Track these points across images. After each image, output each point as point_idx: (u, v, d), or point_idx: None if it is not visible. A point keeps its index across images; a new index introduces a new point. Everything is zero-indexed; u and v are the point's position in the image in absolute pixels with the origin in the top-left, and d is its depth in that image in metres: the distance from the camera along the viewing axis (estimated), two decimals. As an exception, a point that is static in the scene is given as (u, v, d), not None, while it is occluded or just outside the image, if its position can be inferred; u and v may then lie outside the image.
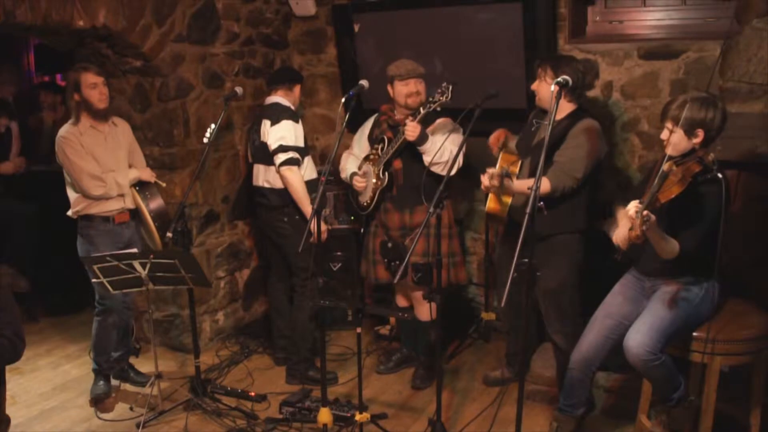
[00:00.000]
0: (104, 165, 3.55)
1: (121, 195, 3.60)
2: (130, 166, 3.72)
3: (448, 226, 3.74)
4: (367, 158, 3.83)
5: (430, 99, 3.44)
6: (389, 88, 3.69)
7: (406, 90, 3.61)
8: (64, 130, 3.52)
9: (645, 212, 2.40)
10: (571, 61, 3.28)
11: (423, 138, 3.51)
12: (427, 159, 3.52)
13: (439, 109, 3.48)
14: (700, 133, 2.68)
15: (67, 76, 3.52)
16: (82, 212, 3.57)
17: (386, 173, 3.72)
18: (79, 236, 3.64)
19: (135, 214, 3.74)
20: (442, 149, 3.43)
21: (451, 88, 3.34)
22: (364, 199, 3.84)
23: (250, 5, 4.48)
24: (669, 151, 2.74)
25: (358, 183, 3.83)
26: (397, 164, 3.70)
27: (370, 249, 3.90)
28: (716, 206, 2.65)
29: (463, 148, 3.56)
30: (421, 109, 3.49)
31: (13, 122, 5.21)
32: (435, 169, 3.52)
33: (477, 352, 4.28)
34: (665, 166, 2.51)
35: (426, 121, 3.57)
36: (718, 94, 3.34)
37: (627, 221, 2.88)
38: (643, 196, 2.62)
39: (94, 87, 3.49)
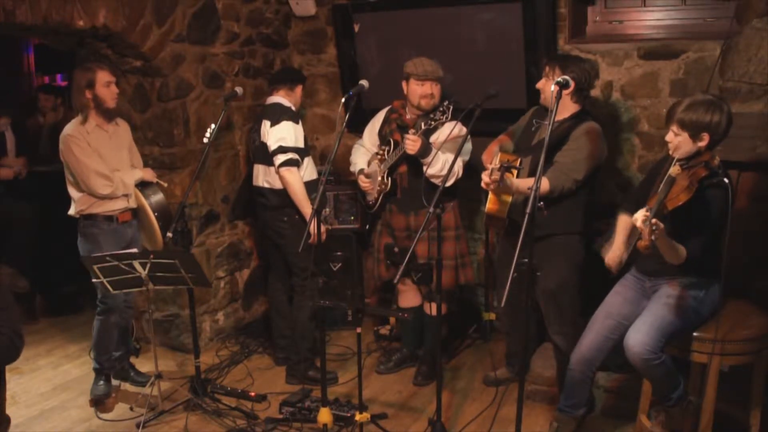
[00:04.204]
0: (109, 164, 3.55)
1: (125, 194, 3.60)
2: (130, 166, 3.72)
3: (454, 227, 3.76)
4: (375, 154, 3.84)
5: (431, 116, 3.49)
6: (404, 84, 3.69)
7: (420, 91, 3.61)
8: (71, 128, 3.50)
9: (654, 220, 2.39)
10: (580, 62, 3.27)
11: (425, 151, 3.52)
12: (426, 169, 3.52)
13: (440, 126, 3.54)
14: (706, 136, 2.66)
15: (78, 74, 3.48)
16: (85, 211, 3.56)
17: (390, 178, 3.73)
18: (80, 236, 3.63)
19: (135, 213, 3.73)
20: (444, 164, 3.46)
21: (451, 108, 3.43)
22: (371, 198, 3.86)
23: (250, 5, 4.48)
24: (674, 153, 2.73)
25: (363, 183, 3.86)
26: (402, 168, 3.72)
27: (376, 248, 3.94)
28: (722, 210, 2.65)
29: (463, 159, 3.60)
30: (422, 124, 3.51)
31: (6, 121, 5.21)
32: (434, 181, 3.53)
33: (477, 352, 4.28)
34: (672, 171, 2.50)
35: (433, 129, 3.58)
36: (718, 94, 3.33)
37: (621, 242, 2.90)
38: (649, 202, 2.60)
39: (108, 85, 3.49)
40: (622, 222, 2.99)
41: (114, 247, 3.52)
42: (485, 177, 3.03)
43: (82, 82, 3.46)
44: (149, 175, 3.75)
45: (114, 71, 3.57)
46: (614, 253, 2.94)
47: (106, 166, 3.51)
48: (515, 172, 2.98)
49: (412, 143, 3.49)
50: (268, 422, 3.45)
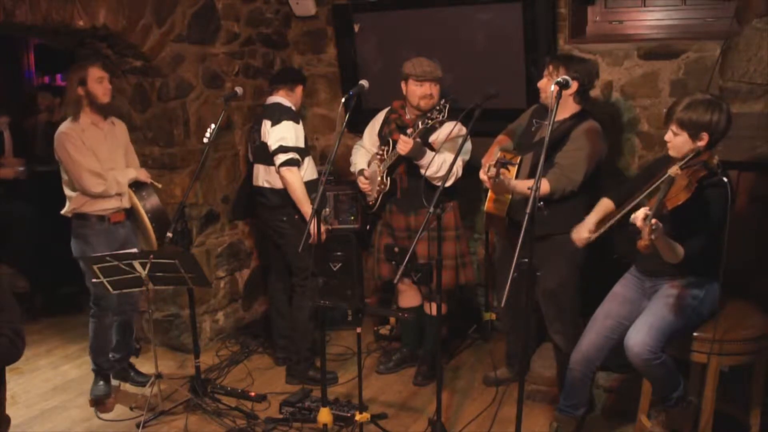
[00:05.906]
0: (104, 163, 3.54)
1: (119, 194, 3.60)
2: (126, 166, 3.71)
3: (455, 227, 3.76)
4: (375, 154, 3.84)
5: (428, 116, 3.48)
6: (403, 84, 3.68)
7: (420, 91, 3.60)
8: (65, 126, 3.51)
9: (653, 220, 2.39)
10: (584, 62, 3.27)
11: (418, 153, 3.52)
12: (423, 172, 3.51)
13: (438, 126, 3.53)
14: (705, 136, 2.66)
15: (71, 71, 3.50)
16: (78, 210, 3.56)
17: (389, 178, 3.74)
18: (73, 237, 3.61)
19: (129, 213, 3.73)
20: (442, 164, 3.46)
21: (447, 107, 3.43)
22: (371, 198, 3.86)
23: (250, 5, 4.48)
24: (673, 153, 2.73)
25: (362, 184, 3.86)
26: (402, 168, 3.72)
27: (376, 248, 3.95)
28: (721, 210, 2.64)
29: (463, 159, 3.59)
30: (420, 124, 3.51)
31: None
32: (433, 181, 3.53)
33: (477, 352, 4.28)
34: (672, 171, 2.50)
35: (431, 129, 3.58)
36: (718, 94, 3.34)
37: (593, 221, 2.91)
38: (649, 201, 2.60)
39: (100, 81, 3.50)
40: (602, 204, 2.99)
41: (106, 248, 3.51)
42: (482, 174, 3.04)
43: (74, 79, 3.49)
44: (144, 175, 3.73)
45: (106, 67, 3.58)
46: (581, 229, 2.91)
47: (99, 164, 3.51)
48: (513, 169, 2.98)
49: (403, 144, 3.50)
50: (268, 422, 3.45)
